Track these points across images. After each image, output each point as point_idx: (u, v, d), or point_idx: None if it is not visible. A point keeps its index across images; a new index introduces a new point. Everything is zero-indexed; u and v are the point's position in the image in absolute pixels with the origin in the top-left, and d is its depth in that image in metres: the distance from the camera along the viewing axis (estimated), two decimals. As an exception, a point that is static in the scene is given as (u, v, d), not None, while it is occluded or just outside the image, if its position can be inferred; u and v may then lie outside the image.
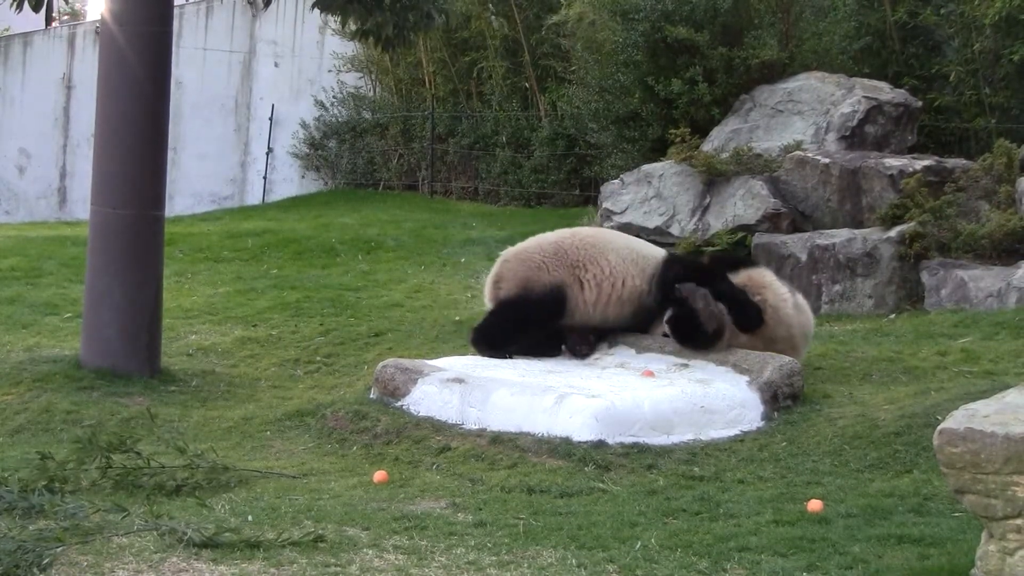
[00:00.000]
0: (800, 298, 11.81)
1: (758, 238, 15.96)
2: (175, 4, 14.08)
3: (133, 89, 12.83)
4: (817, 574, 6.80)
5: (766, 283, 11.60)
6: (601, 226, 17.09)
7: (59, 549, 6.82)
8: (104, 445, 9.03)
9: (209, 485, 9.08)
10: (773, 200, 16.28)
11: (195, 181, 28.71)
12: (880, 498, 8.32)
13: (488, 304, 12.13)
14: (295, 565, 6.79)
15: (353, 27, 14.55)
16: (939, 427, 5.64)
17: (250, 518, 7.77)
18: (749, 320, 11.33)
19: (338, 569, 6.76)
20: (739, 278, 11.60)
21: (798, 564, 6.92)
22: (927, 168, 15.74)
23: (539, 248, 12.07)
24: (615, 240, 12.33)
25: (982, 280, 14.13)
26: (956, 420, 5.61)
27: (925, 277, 14.58)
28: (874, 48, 20.04)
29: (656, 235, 16.43)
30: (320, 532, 7.29)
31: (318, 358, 13.39)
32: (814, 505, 8.08)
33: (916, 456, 9.20)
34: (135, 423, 11.23)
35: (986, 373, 11.25)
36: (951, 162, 16.22)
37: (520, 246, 12.28)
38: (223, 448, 10.19)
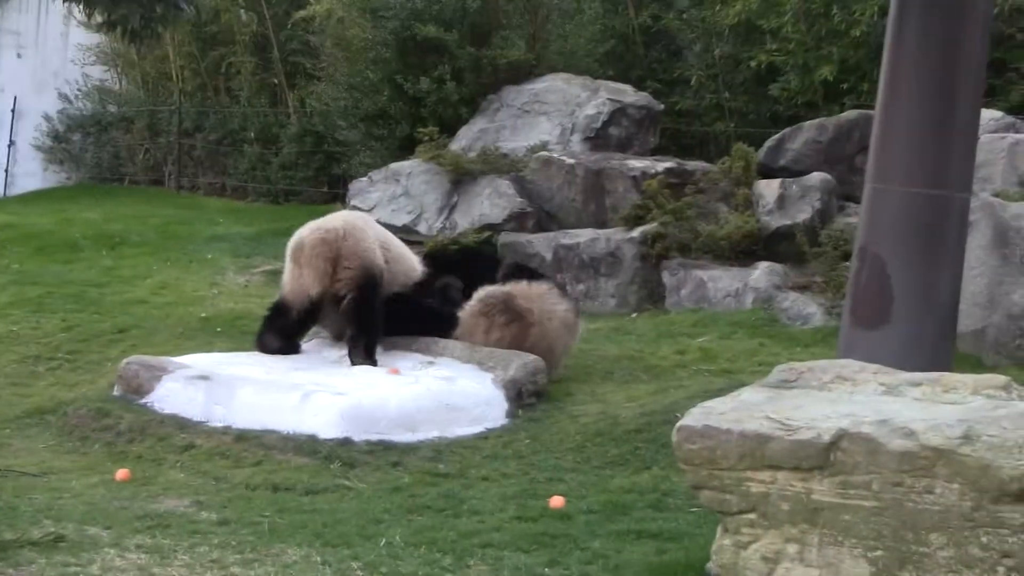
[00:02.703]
0: (571, 316, 11.83)
1: (504, 237, 16.03)
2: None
3: None
4: (559, 569, 6.86)
5: (535, 296, 11.65)
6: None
7: None
8: None
9: (-57, 486, 8.81)
10: (519, 200, 16.38)
11: (-68, 173, 27.84)
12: (620, 494, 8.44)
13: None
14: (34, 566, 6.62)
15: (99, 18, 14.22)
16: (678, 424, 5.73)
17: (-13, 519, 7.56)
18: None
19: (78, 569, 6.61)
20: (518, 287, 11.69)
21: (540, 560, 6.98)
22: (669, 170, 16.00)
23: None
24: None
25: (720, 280, 14.43)
26: (694, 417, 5.71)
27: (666, 277, 14.83)
28: (618, 51, 20.31)
29: (404, 233, 16.36)
30: (60, 532, 7.13)
31: (60, 355, 13.07)
32: (556, 501, 8.16)
33: (656, 453, 9.35)
34: None
35: (723, 371, 11.49)
36: (692, 165, 16.50)
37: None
38: (-42, 447, 9.90)
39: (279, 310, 11.98)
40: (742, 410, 5.69)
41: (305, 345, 12.06)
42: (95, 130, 27.78)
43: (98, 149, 27.60)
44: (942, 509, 5.16)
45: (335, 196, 22.04)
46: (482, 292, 11.81)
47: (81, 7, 14.12)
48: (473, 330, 11.56)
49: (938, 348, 8.34)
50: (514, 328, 11.42)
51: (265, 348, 11.86)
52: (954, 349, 8.80)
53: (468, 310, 11.70)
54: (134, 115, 27.27)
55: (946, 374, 6.01)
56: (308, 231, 11.94)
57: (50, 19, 28.27)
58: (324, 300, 11.73)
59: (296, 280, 11.78)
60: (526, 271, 12.73)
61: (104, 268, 17.41)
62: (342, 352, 11.73)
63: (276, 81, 25.12)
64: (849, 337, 8.52)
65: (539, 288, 11.74)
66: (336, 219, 12.25)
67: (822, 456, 5.37)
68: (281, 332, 11.91)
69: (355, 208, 17.62)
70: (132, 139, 27.24)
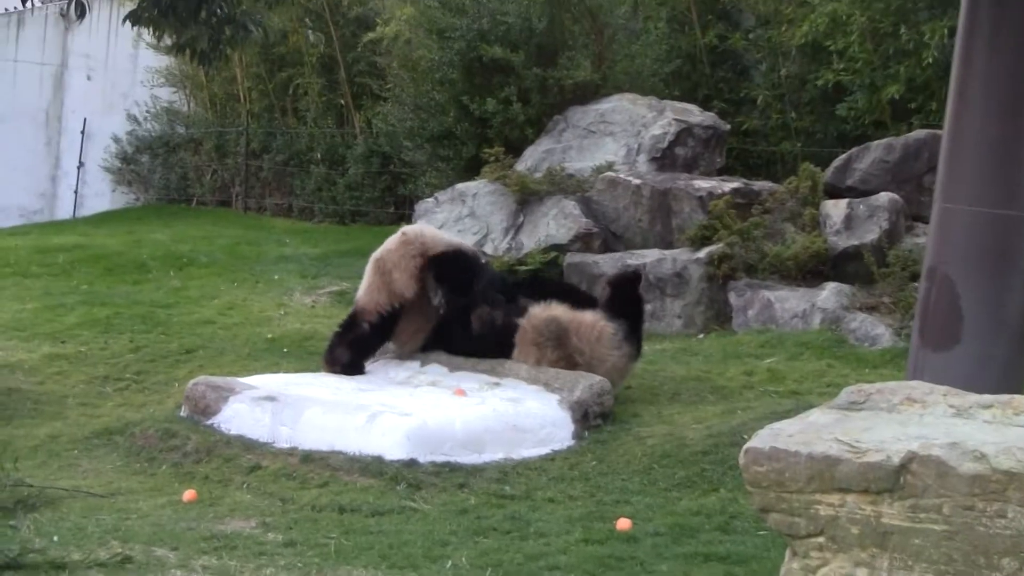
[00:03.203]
0: (624, 363, 11.63)
1: (570, 257, 16.03)
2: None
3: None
4: (625, 592, 6.84)
5: (592, 338, 11.48)
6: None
7: None
8: (-96, 464, 8.78)
9: (14, 505, 8.85)
10: (585, 220, 16.37)
11: (2, 195, 28.07)
12: (688, 517, 8.40)
13: None
14: (101, 587, 6.66)
15: (168, 41, 14.30)
16: (745, 446, 5.69)
17: (56, 539, 7.60)
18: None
19: (145, 590, 6.64)
20: (576, 320, 11.55)
21: (607, 582, 6.96)
22: (735, 190, 15.95)
23: None
24: None
25: (787, 301, 14.36)
26: (761, 439, 5.66)
27: (732, 298, 14.78)
28: (684, 71, 20.29)
29: (470, 254, 16.46)
30: (127, 553, 7.15)
31: (128, 375, 13.15)
32: (623, 524, 8.12)
33: (723, 475, 9.30)
34: (-63, 442, 10.93)
35: (791, 392, 11.43)
36: (758, 185, 16.45)
37: None
38: (29, 467, 9.94)
39: (351, 324, 12.03)
40: (810, 432, 5.64)
41: (370, 366, 12.07)
42: (163, 151, 28.00)
43: (166, 170, 27.82)
44: (1014, 533, 5.10)
45: (401, 216, 22.11)
46: (539, 315, 11.60)
47: (151, 30, 14.21)
48: (526, 356, 11.51)
49: (1008, 369, 8.25)
50: (562, 366, 11.36)
51: (335, 361, 11.87)
52: (1025, 370, 8.71)
53: (521, 335, 11.58)
54: (202, 136, 27.47)
55: (1017, 396, 5.94)
56: (386, 242, 12.10)
57: (119, 41, 28.51)
58: (414, 303, 11.83)
59: (380, 289, 11.83)
60: (579, 295, 12.52)
61: (172, 289, 17.52)
62: (408, 372, 11.75)
63: (343, 102, 25.24)
64: (918, 358, 8.45)
65: (599, 326, 11.50)
66: (407, 227, 12.52)
67: (892, 479, 5.31)
68: (353, 346, 11.94)
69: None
70: (200, 160, 27.43)
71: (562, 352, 11.39)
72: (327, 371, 11.88)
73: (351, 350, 11.92)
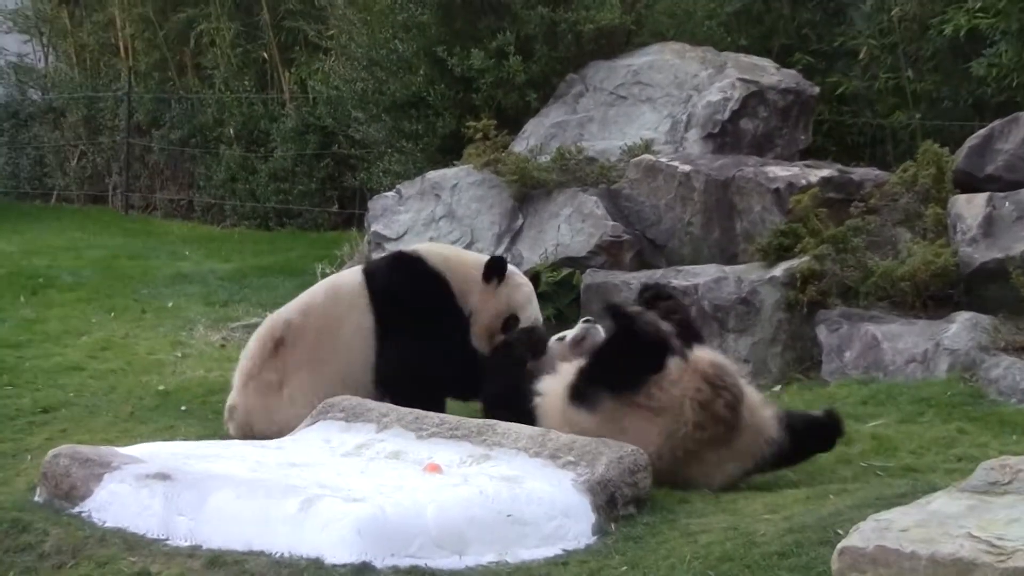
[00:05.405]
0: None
1: (590, 276, 15.98)
2: None
3: None
4: None
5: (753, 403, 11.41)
6: (370, 257, 17.07)
7: None
8: None
9: None
10: (612, 223, 16.38)
11: None
12: (759, 646, 8.41)
13: None
14: None
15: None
16: (840, 545, 5.71)
17: None
18: None
19: None
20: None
21: None
22: (826, 180, 15.96)
23: None
24: None
25: (901, 339, 14.36)
26: (863, 536, 5.68)
27: (823, 334, 14.77)
28: (754, 11, 20.36)
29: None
30: None
31: (-43, 445, 13.18)
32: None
33: (809, 586, 9.31)
34: None
35: (905, 469, 11.43)
36: (859, 172, 16.46)
37: None
38: None
39: None
40: (933, 525, 5.66)
41: (306, 430, 12.06)
42: (10, 126, 28.08)
43: (14, 153, 27.90)
44: None
45: (349, 218, 22.16)
46: (706, 358, 11.31)
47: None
48: (677, 416, 11.22)
49: None
50: (718, 430, 11.13)
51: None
52: None
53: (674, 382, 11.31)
54: (65, 104, 27.52)
55: None
56: None
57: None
58: None
59: None
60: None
61: (22, 321, 17.54)
62: (360, 437, 11.72)
63: (265, 56, 25.32)
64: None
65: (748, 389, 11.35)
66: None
67: (1049, 591, 5.33)
68: None
69: (377, 236, 17.67)
70: (62, 138, 27.49)
71: (731, 416, 11.13)
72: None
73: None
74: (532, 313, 12.42)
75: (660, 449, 10.76)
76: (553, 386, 11.18)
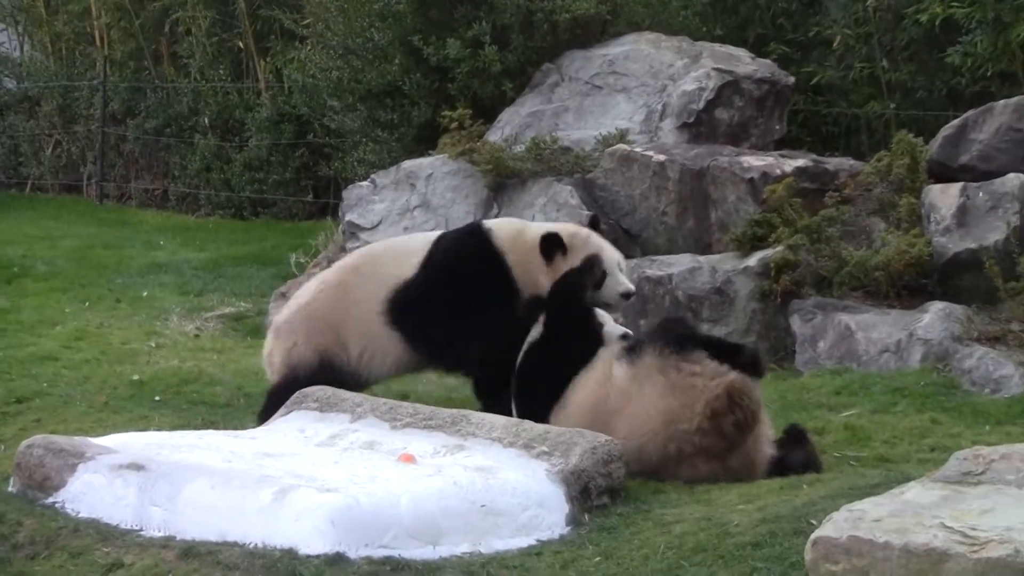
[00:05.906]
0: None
1: (565, 266, 16.02)
2: None
3: None
4: None
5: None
6: (345, 248, 17.05)
7: None
8: None
9: None
10: (586, 213, 16.36)
11: None
12: (732, 636, 8.40)
13: None
14: None
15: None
16: (813, 536, 5.70)
17: None
18: None
19: None
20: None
21: None
22: (801, 170, 15.97)
23: None
24: None
25: (875, 329, 14.36)
26: (836, 526, 5.67)
27: (796, 324, 14.77)
28: (730, 2, 20.36)
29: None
30: None
31: (-70, 436, 13.15)
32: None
33: (782, 576, 9.31)
34: None
35: (879, 459, 11.43)
36: (834, 162, 16.48)
37: None
38: None
39: None
40: (906, 515, 5.66)
41: (280, 420, 12.04)
42: (-16, 114, 28.03)
43: (-11, 142, 27.85)
44: None
45: (324, 207, 22.14)
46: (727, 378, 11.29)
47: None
48: (686, 405, 11.21)
49: None
50: (719, 444, 11.13)
51: None
52: None
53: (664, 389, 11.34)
54: (40, 93, 27.48)
55: None
56: None
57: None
58: None
59: None
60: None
61: (-4, 311, 17.52)
62: (334, 428, 11.70)
63: (241, 45, 25.30)
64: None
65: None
66: None
67: (1022, 582, 5.33)
68: None
69: (351, 225, 17.65)
70: (37, 127, 27.45)
71: (735, 436, 11.14)
72: None
73: None
74: (611, 255, 12.37)
75: (656, 432, 10.83)
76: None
